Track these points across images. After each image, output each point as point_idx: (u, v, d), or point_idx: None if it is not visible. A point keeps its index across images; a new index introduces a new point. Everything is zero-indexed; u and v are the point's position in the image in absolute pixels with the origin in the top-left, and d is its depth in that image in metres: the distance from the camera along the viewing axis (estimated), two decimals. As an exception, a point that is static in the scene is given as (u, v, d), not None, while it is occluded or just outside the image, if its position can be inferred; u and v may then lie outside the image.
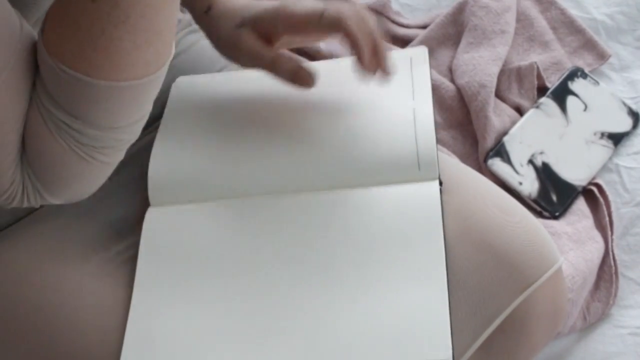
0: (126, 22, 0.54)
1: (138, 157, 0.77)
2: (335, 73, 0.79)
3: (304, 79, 0.72)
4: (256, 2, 0.75)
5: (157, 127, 0.79)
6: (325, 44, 1.13)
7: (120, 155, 0.65)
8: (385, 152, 0.71)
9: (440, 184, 0.69)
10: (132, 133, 0.63)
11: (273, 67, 0.73)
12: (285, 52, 0.74)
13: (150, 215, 0.73)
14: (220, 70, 0.88)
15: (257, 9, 0.73)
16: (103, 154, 0.62)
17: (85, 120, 0.59)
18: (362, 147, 0.72)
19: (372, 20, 0.70)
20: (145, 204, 0.74)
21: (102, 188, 0.68)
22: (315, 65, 0.84)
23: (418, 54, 0.80)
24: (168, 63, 0.60)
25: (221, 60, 0.90)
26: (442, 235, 0.66)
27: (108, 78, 0.56)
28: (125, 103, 0.59)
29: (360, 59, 0.69)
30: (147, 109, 0.63)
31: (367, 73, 0.70)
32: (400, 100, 0.75)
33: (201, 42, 0.88)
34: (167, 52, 0.60)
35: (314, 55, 1.12)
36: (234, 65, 0.90)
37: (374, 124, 0.74)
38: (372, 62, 0.70)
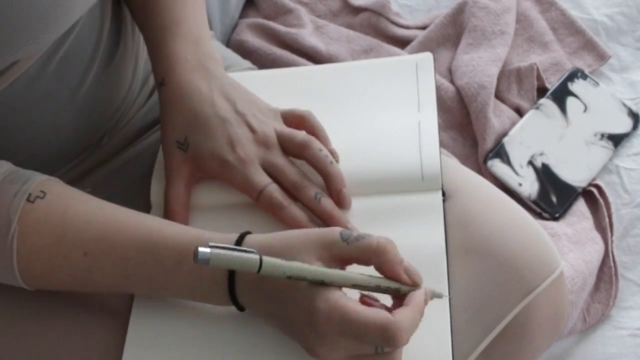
0: None
1: (139, 158, 0.77)
2: (339, 78, 0.79)
3: None
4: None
5: (158, 129, 0.78)
6: (325, 45, 1.12)
7: None
8: (390, 163, 0.71)
9: (443, 194, 0.70)
10: None
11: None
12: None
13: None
14: (225, 70, 0.87)
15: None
16: None
17: None
18: (367, 157, 0.72)
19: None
20: (144, 209, 0.73)
21: (102, 190, 0.67)
22: (320, 69, 0.84)
23: (423, 59, 0.80)
24: None
25: (227, 59, 0.89)
26: (444, 244, 0.66)
27: None
28: None
29: None
30: None
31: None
32: (405, 111, 0.75)
33: None
34: None
35: (314, 56, 1.11)
36: (240, 65, 0.89)
37: (380, 134, 0.74)
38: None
